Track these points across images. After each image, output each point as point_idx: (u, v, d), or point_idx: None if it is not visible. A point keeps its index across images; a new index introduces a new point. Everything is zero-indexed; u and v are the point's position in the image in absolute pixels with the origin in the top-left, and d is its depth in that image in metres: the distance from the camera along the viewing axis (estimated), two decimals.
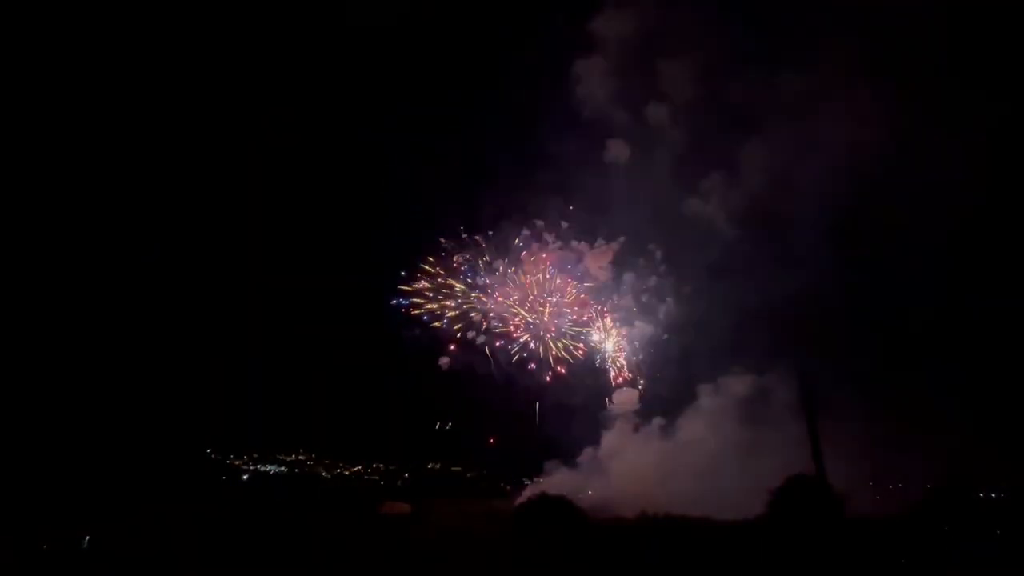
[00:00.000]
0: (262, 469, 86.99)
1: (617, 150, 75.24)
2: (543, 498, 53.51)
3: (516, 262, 77.11)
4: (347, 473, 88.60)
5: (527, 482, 76.50)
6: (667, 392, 74.46)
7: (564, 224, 76.92)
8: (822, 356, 66.89)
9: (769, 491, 45.15)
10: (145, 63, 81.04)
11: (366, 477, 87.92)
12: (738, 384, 68.52)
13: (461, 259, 76.73)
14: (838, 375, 66.47)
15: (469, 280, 76.94)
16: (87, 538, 41.97)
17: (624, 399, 76.03)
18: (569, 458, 73.79)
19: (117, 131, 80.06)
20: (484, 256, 77.18)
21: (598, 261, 77.11)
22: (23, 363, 68.82)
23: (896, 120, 65.56)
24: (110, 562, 39.09)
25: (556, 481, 71.62)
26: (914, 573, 38.01)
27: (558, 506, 50.73)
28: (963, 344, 70.63)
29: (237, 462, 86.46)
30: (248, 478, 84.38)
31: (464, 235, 77.00)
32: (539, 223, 76.77)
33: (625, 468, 69.70)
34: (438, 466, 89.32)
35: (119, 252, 79.28)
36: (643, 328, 76.92)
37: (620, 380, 76.59)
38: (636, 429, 73.43)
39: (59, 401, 70.54)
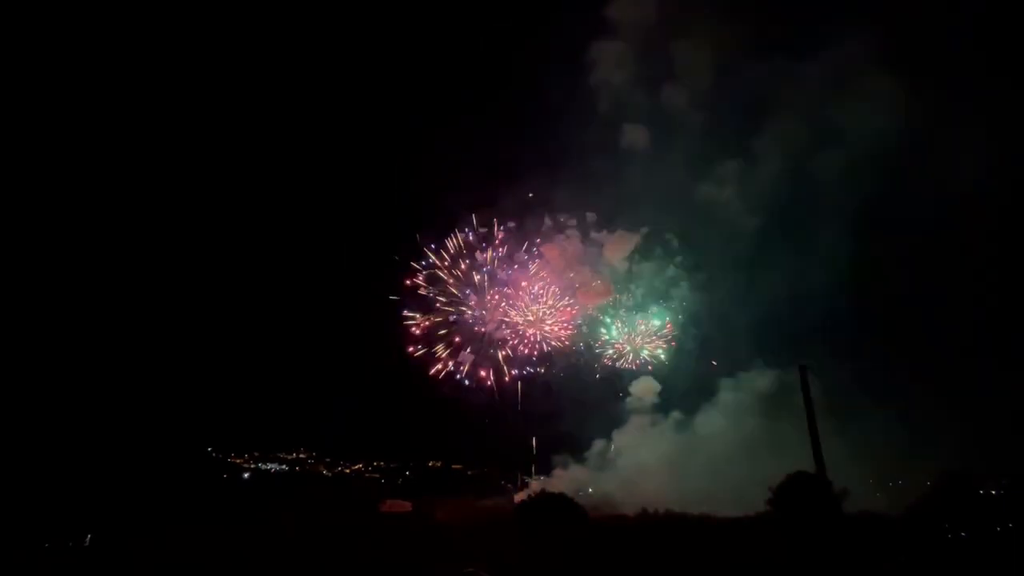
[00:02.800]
0: (263, 467, 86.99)
1: (635, 138, 75.25)
2: (543, 496, 53.51)
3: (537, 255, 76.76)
4: (348, 472, 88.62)
5: (528, 479, 76.48)
6: (685, 383, 73.70)
7: (590, 216, 76.69)
8: (828, 354, 66.51)
9: (770, 488, 45.12)
10: (144, 65, 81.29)
11: (367, 475, 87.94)
12: (758, 379, 67.11)
13: (480, 257, 76.53)
14: (843, 373, 66.09)
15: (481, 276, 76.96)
16: (89, 537, 42.04)
17: (642, 389, 74.95)
18: (579, 452, 73.86)
19: (120, 133, 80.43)
20: (503, 249, 76.91)
21: (617, 250, 76.47)
22: (26, 364, 68.92)
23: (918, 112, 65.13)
24: (111, 560, 39.11)
25: (565, 477, 71.37)
26: (914, 570, 37.90)
27: (558, 504, 50.68)
28: (965, 343, 70.70)
29: (238, 460, 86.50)
30: (249, 476, 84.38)
31: (483, 229, 77.04)
32: (562, 217, 76.70)
33: (634, 465, 68.97)
34: (439, 464, 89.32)
35: (121, 253, 79.48)
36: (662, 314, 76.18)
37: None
38: (652, 423, 72.51)
39: (61, 402, 70.63)
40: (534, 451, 77.71)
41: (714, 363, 74.82)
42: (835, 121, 70.08)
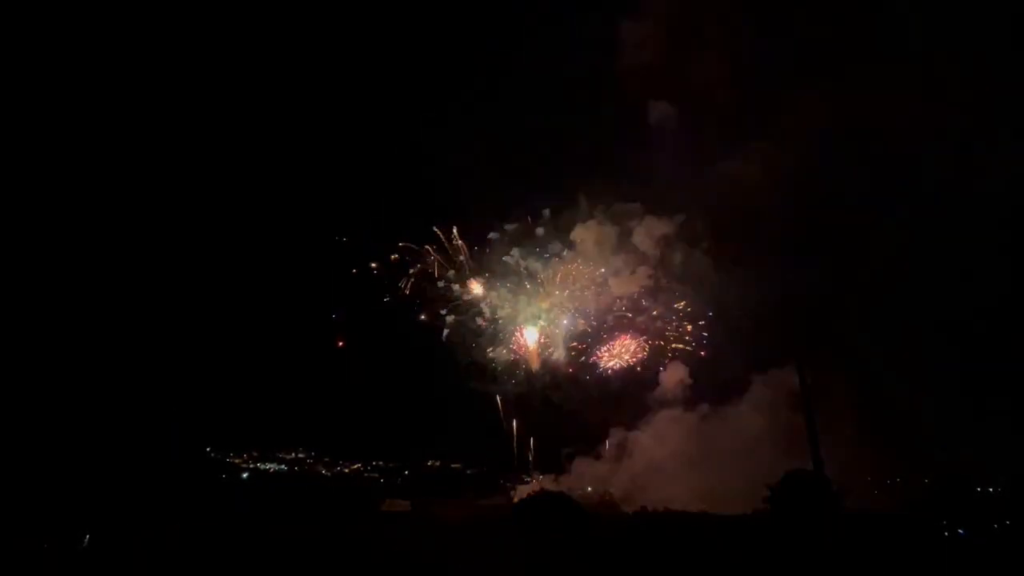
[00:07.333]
0: (262, 467, 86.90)
1: (665, 122, 74.59)
2: (542, 495, 53.59)
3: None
4: (347, 471, 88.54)
5: (527, 478, 76.44)
6: (716, 376, 72.20)
7: (628, 204, 76.10)
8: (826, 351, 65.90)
9: (767, 486, 45.17)
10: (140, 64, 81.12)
11: (366, 475, 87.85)
12: (791, 375, 65.34)
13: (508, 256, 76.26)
14: (843, 370, 65.57)
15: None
16: (87, 537, 41.96)
17: (672, 377, 73.72)
18: (593, 446, 73.73)
19: (122, 133, 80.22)
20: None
21: (645, 237, 75.75)
22: (24, 364, 68.76)
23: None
24: (110, 561, 39.09)
25: (571, 475, 71.57)
26: (913, 568, 37.98)
27: (557, 503, 50.75)
28: (965, 341, 70.69)
29: (236, 460, 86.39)
30: (248, 476, 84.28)
31: (507, 227, 76.75)
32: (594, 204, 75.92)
33: (649, 461, 68.33)
34: (438, 463, 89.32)
35: (119, 253, 79.25)
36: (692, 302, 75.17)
37: None
38: (676, 418, 71.03)
39: (60, 402, 70.46)
40: (531, 448, 77.66)
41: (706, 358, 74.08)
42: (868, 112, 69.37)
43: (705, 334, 75.02)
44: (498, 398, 76.59)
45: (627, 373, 75.27)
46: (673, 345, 75.46)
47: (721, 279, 73.25)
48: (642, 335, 75.76)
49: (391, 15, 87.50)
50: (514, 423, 76.94)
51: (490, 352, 76.19)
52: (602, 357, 75.75)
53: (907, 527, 43.59)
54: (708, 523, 49.30)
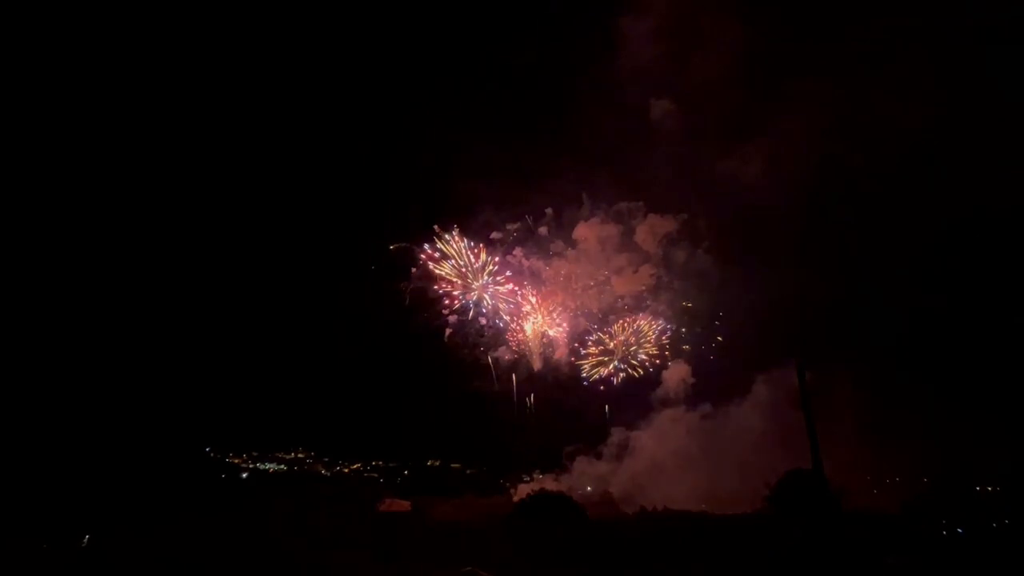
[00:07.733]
0: (261, 467, 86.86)
1: (665, 122, 74.83)
2: (542, 495, 53.63)
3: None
4: (346, 471, 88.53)
5: (526, 478, 76.45)
6: (718, 376, 72.73)
7: (628, 204, 76.44)
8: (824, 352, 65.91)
9: (766, 485, 45.26)
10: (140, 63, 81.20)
11: (365, 475, 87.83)
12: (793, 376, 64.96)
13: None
14: (841, 370, 65.43)
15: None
16: (87, 537, 42.00)
17: (674, 375, 73.86)
18: (594, 446, 73.84)
19: (118, 132, 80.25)
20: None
21: (648, 236, 75.99)
22: (24, 363, 68.77)
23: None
24: (109, 561, 39.09)
25: (573, 474, 71.61)
26: (912, 567, 38.01)
27: (557, 503, 50.80)
28: (963, 339, 70.75)
29: (236, 460, 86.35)
30: (247, 476, 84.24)
31: (512, 227, 76.62)
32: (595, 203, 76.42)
33: (649, 461, 68.39)
34: (438, 463, 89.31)
35: (119, 252, 79.29)
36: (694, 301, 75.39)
37: None
38: (677, 418, 71.25)
39: (59, 402, 70.45)
40: (532, 447, 77.67)
41: (712, 356, 73.99)
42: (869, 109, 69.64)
43: (720, 337, 75.45)
44: (499, 397, 76.56)
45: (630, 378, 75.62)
46: (683, 346, 75.85)
47: (723, 278, 73.36)
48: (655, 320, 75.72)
49: (391, 14, 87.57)
50: (515, 422, 76.97)
51: (491, 352, 76.19)
52: (591, 360, 75.64)
53: (907, 526, 43.61)
54: (708, 523, 49.32)
